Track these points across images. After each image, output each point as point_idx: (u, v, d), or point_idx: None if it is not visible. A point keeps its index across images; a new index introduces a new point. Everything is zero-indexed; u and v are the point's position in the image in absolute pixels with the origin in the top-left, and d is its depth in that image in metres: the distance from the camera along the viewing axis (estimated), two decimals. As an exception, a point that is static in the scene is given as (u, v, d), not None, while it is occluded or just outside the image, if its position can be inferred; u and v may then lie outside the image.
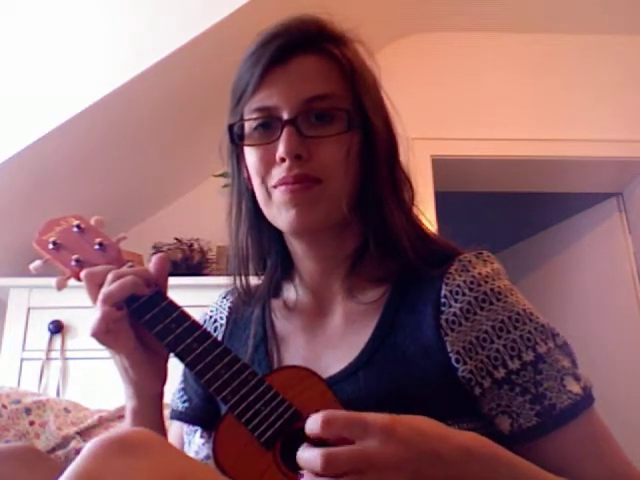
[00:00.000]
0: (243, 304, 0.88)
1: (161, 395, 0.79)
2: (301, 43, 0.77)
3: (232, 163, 0.84)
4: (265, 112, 0.76)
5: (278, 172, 0.75)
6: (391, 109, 0.84)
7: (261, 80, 0.76)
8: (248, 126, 0.78)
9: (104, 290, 0.70)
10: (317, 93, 0.75)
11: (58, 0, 1.93)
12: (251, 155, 0.78)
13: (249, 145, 0.78)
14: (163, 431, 0.82)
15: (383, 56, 2.57)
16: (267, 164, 0.76)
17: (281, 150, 0.73)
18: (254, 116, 0.77)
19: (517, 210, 3.16)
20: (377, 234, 0.79)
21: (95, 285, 0.72)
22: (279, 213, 0.77)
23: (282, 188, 0.75)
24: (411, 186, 0.84)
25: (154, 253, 2.15)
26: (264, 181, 0.77)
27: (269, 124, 0.76)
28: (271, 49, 0.76)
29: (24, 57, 1.91)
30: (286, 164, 0.74)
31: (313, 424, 0.54)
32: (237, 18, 1.91)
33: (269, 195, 0.77)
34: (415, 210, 0.84)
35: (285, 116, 0.74)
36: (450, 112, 2.58)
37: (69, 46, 1.91)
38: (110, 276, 0.72)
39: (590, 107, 2.61)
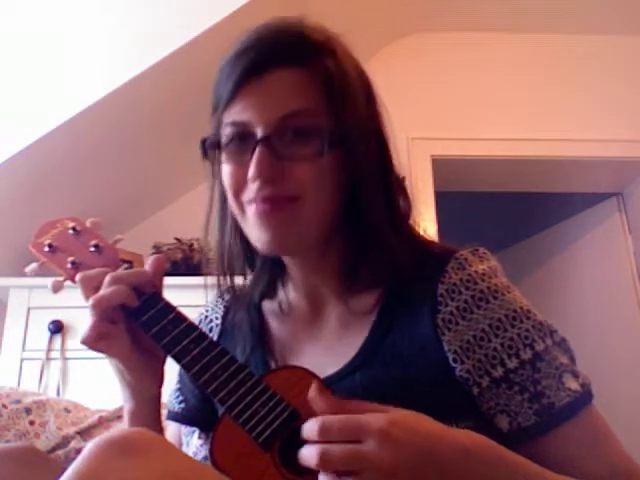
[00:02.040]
0: (238, 304, 0.88)
1: (158, 396, 0.79)
2: (277, 55, 0.72)
3: (212, 170, 0.81)
4: (240, 127, 0.73)
5: (250, 190, 0.72)
6: (387, 112, 0.81)
7: (236, 92, 0.72)
8: (224, 137, 0.75)
9: (94, 296, 0.69)
10: (292, 109, 0.71)
11: (58, 0, 1.93)
12: (225, 172, 0.76)
13: (223, 161, 0.75)
14: (161, 432, 0.82)
15: (383, 56, 2.60)
16: (239, 181, 0.73)
17: (251, 172, 0.70)
18: (228, 130, 0.74)
19: (517, 210, 3.15)
20: (366, 247, 0.77)
21: (90, 288, 0.72)
22: (253, 231, 0.74)
23: (252, 207, 0.72)
24: (407, 195, 0.81)
25: (154, 253, 2.15)
26: (237, 196, 0.75)
27: (244, 138, 0.73)
28: (245, 61, 0.72)
29: (24, 57, 1.91)
30: (256, 184, 0.71)
31: (309, 431, 0.54)
32: (237, 18, 1.91)
33: (242, 211, 0.75)
34: (413, 217, 0.82)
35: (259, 134, 0.71)
36: (450, 112, 2.58)
37: (69, 46, 1.91)
38: (107, 279, 0.71)
39: (590, 107, 2.61)
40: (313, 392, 0.58)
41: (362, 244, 0.77)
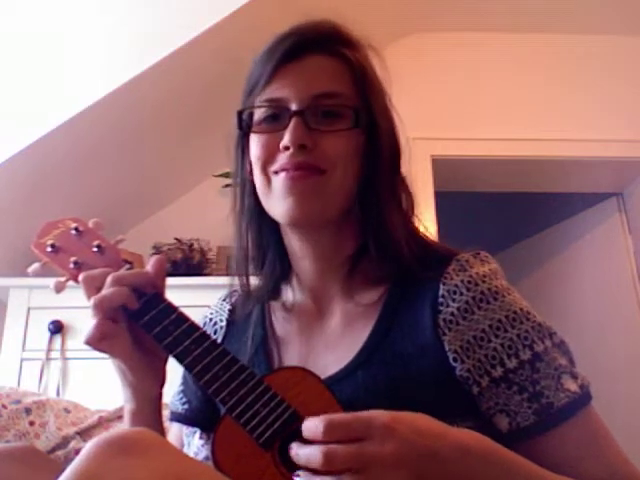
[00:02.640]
0: (243, 305, 0.89)
1: (159, 396, 0.79)
2: (315, 43, 0.79)
3: (236, 155, 0.84)
4: (275, 103, 0.78)
5: (281, 158, 0.76)
6: (395, 115, 0.85)
7: (273, 74, 0.77)
8: (257, 115, 0.79)
9: (96, 296, 0.70)
10: (326, 90, 0.77)
11: (58, 0, 1.93)
12: (256, 143, 0.79)
13: (256, 132, 0.79)
14: (162, 432, 0.82)
15: (383, 56, 2.59)
16: (271, 151, 0.77)
17: (286, 138, 0.74)
18: (262, 109, 0.78)
19: (517, 210, 3.16)
20: (375, 235, 0.79)
21: (93, 288, 0.72)
22: (277, 202, 0.77)
23: (282, 174, 0.76)
24: (410, 195, 0.84)
25: (154, 253, 2.15)
26: (265, 168, 0.78)
27: (277, 115, 0.78)
28: (285, 45, 0.78)
29: (24, 57, 1.91)
30: (290, 151, 0.75)
31: (313, 429, 0.54)
32: (237, 18, 1.91)
33: (269, 183, 0.78)
34: (414, 218, 0.84)
35: (294, 107, 0.76)
36: (450, 112, 2.58)
37: (69, 46, 1.91)
38: (109, 279, 0.71)
39: (590, 107, 2.61)
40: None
41: (371, 230, 0.79)
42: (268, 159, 0.77)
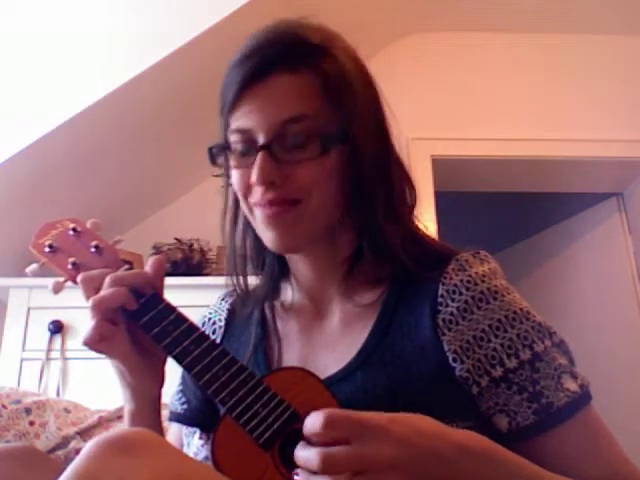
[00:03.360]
0: (242, 305, 0.89)
1: (159, 397, 0.79)
2: (276, 61, 0.74)
3: (225, 166, 0.83)
4: (243, 135, 0.75)
5: (256, 192, 0.75)
6: (388, 110, 0.82)
7: (238, 98, 0.75)
8: (231, 143, 0.77)
9: (94, 297, 0.70)
10: (291, 115, 0.73)
11: (58, 0, 1.93)
12: (233, 175, 0.78)
13: (231, 164, 0.78)
14: (161, 432, 0.82)
15: (383, 56, 2.59)
16: (246, 184, 0.76)
17: (253, 177, 0.73)
18: (234, 137, 0.76)
19: (517, 210, 3.16)
20: (370, 241, 0.78)
21: (92, 289, 0.72)
22: (261, 232, 0.77)
23: (260, 209, 0.75)
24: (413, 187, 0.83)
25: (154, 253, 2.15)
26: (245, 198, 0.77)
27: (248, 144, 0.75)
28: (245, 68, 0.74)
29: (24, 57, 1.91)
30: (260, 189, 0.74)
31: (314, 423, 0.54)
32: (237, 18, 1.91)
33: (251, 212, 0.78)
34: (415, 213, 0.83)
35: (260, 140, 0.73)
36: (450, 112, 2.58)
37: (69, 46, 1.91)
38: (107, 280, 0.71)
39: (590, 107, 2.61)
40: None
41: (365, 236, 0.78)
42: (246, 192, 0.77)
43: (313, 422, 0.54)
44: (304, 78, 0.74)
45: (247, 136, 0.75)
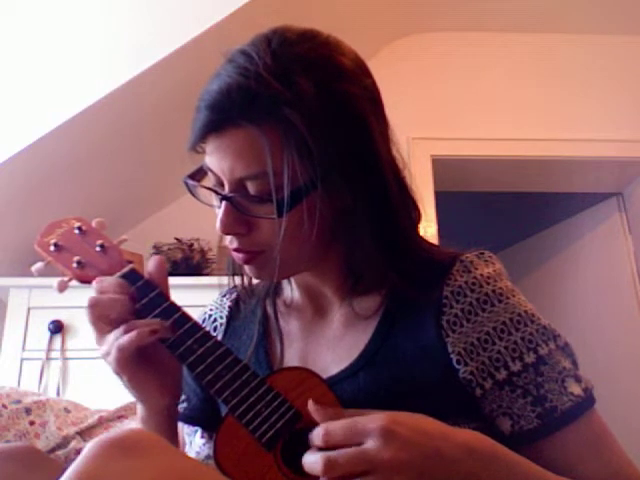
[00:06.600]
0: (244, 302, 0.88)
1: (169, 407, 0.74)
2: (233, 116, 0.67)
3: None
4: (213, 175, 0.72)
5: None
6: (387, 111, 0.77)
7: (203, 140, 0.71)
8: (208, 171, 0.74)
9: (121, 341, 0.67)
10: (248, 174, 0.68)
11: (58, 0, 1.93)
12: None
13: (208, 204, 0.76)
14: (172, 439, 0.75)
15: (383, 56, 2.60)
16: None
17: (217, 226, 0.71)
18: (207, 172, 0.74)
19: (517, 210, 3.16)
20: (360, 275, 0.76)
21: (98, 316, 0.69)
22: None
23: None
24: (416, 206, 0.79)
25: (154, 253, 2.15)
26: None
27: (219, 185, 0.73)
28: (208, 118, 0.68)
29: (24, 57, 1.91)
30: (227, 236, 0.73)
31: (316, 437, 0.56)
32: (237, 18, 1.91)
33: None
34: (413, 232, 0.79)
35: (225, 189, 0.71)
36: (450, 112, 2.58)
37: (69, 46, 1.91)
38: (123, 328, 0.68)
39: (590, 107, 2.61)
40: (312, 406, 0.61)
41: (354, 270, 0.77)
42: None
43: (316, 436, 0.56)
44: (263, 129, 0.66)
45: (216, 178, 0.72)
